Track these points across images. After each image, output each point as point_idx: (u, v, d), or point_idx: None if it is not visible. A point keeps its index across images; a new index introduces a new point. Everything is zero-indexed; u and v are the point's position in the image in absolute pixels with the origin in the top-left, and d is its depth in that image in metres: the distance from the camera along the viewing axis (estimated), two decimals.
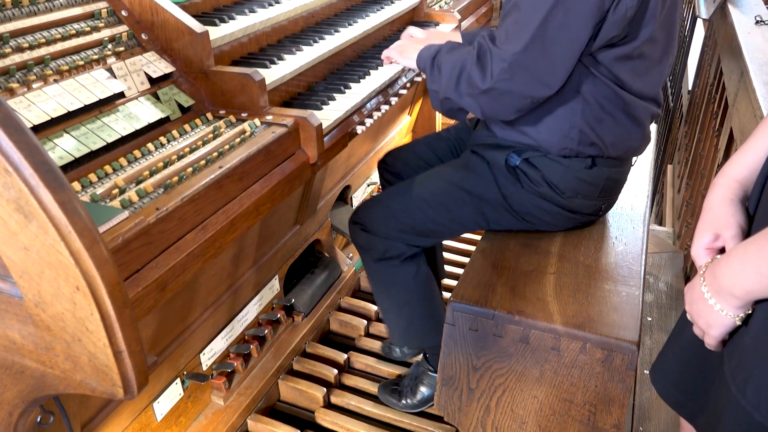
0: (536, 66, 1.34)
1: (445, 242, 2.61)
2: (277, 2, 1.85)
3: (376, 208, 1.72)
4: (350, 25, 2.01)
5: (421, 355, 1.97)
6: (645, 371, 2.12)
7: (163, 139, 1.30)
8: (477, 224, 1.65)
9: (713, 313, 0.87)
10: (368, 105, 1.76)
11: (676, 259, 2.78)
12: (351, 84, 1.77)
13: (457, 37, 1.78)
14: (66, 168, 1.14)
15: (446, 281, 2.36)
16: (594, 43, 1.35)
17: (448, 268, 2.36)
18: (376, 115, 1.75)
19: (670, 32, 1.46)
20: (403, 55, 1.71)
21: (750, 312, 0.85)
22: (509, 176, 1.55)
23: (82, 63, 1.31)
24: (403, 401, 1.94)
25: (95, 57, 1.34)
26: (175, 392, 1.68)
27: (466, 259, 2.57)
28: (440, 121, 2.97)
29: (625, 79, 1.41)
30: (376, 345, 2.18)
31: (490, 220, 1.62)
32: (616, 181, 1.59)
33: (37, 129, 1.15)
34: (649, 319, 2.42)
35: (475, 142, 1.65)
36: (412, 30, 1.83)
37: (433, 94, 1.57)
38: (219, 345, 1.85)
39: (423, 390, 1.92)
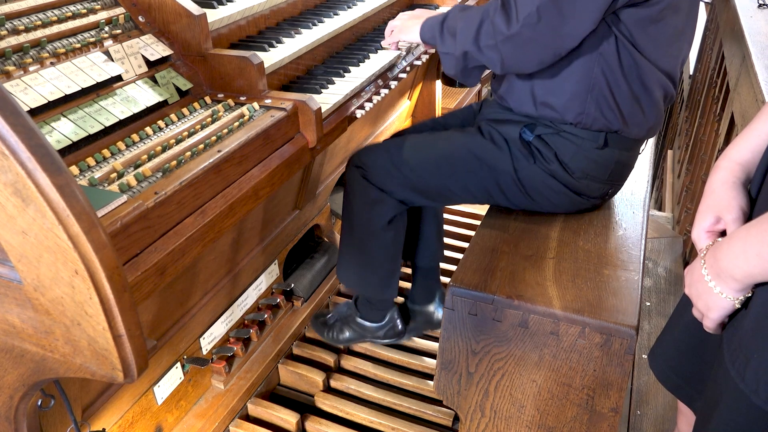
0: (563, 13, 1.32)
1: (445, 226, 2.61)
2: None
3: (381, 158, 1.67)
4: (349, 7, 1.99)
5: (353, 299, 1.98)
6: (643, 356, 2.13)
7: (161, 123, 1.30)
8: (483, 194, 1.62)
9: (713, 295, 0.87)
10: (367, 89, 1.75)
11: (675, 245, 2.79)
12: (350, 68, 1.76)
13: None
14: (64, 152, 1.13)
15: (446, 266, 2.36)
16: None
17: (447, 252, 2.35)
18: (376, 99, 1.74)
19: (692, 6, 1.46)
20: (404, 32, 1.70)
21: (750, 295, 0.85)
22: (523, 150, 1.54)
23: (78, 46, 1.30)
24: (329, 334, 2.02)
25: (92, 40, 1.33)
26: (175, 376, 1.69)
27: (465, 244, 2.57)
28: (440, 106, 2.95)
29: (644, 46, 1.40)
30: None
31: (496, 192, 1.60)
32: (625, 165, 1.59)
33: (34, 112, 1.14)
34: (648, 304, 2.42)
35: (485, 118, 1.63)
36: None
37: (445, 58, 1.56)
38: (219, 329, 1.85)
39: (347, 333, 1.99)
